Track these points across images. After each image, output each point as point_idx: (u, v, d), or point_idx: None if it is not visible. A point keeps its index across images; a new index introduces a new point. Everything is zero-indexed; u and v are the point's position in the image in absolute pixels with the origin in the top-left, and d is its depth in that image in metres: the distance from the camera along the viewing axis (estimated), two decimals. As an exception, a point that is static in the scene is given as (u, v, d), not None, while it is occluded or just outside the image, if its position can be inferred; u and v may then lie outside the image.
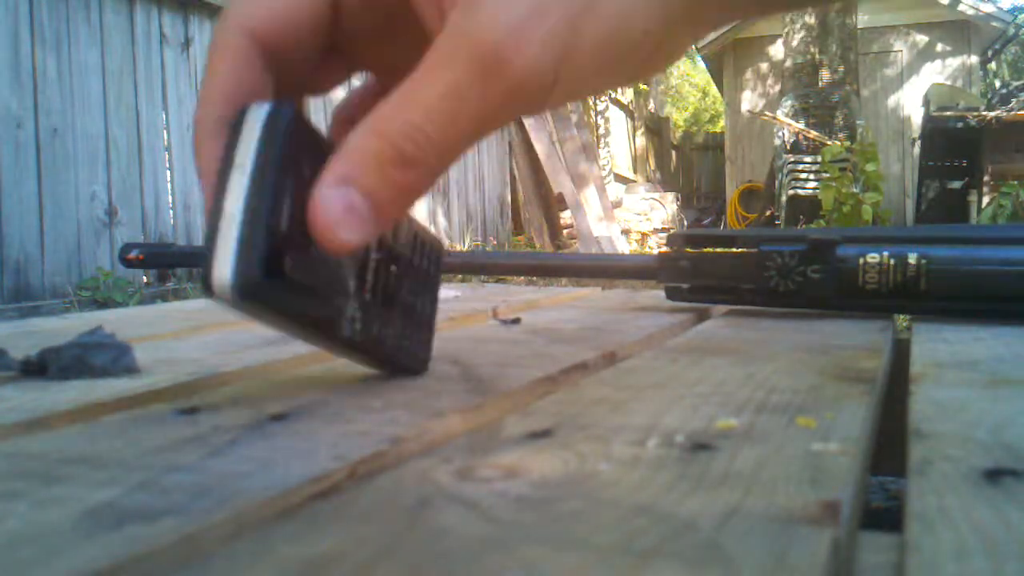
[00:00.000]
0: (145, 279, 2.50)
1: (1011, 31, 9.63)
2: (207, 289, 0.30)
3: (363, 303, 0.37)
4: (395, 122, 0.29)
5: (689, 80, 19.41)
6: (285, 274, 0.30)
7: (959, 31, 9.32)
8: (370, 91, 0.38)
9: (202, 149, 0.32)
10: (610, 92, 8.87)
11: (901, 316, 0.74)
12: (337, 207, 0.29)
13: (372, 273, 0.37)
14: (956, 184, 6.11)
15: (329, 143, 0.33)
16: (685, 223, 8.10)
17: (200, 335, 0.63)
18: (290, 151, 0.30)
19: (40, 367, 0.45)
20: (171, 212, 2.62)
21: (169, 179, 2.62)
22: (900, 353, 0.56)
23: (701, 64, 13.78)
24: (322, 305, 0.34)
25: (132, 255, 1.04)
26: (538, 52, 0.28)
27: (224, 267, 0.29)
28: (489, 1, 0.28)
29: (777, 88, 8.26)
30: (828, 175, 4.33)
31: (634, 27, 0.30)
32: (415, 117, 0.29)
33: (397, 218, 0.31)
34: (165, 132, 2.61)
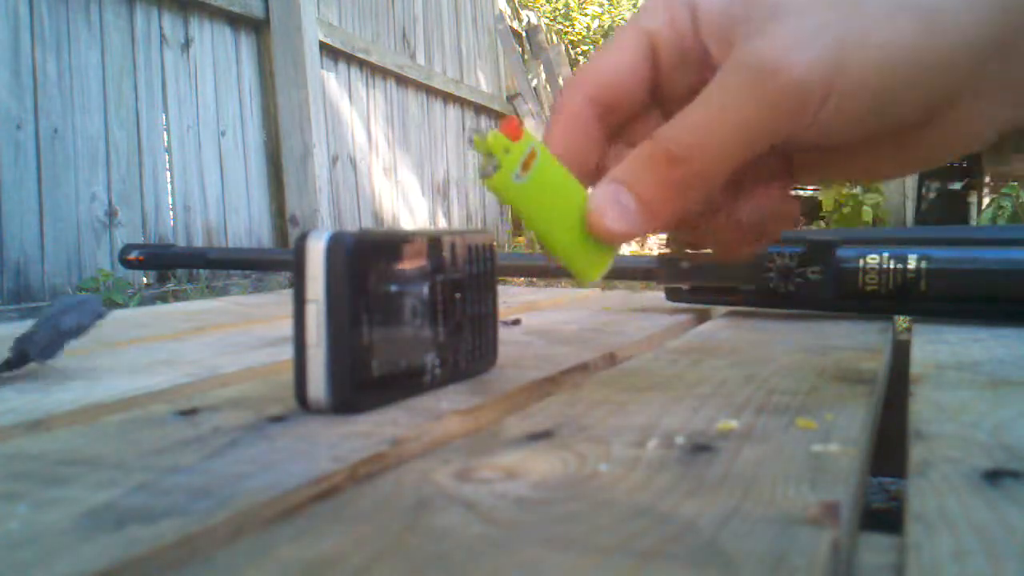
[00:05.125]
0: (145, 280, 2.50)
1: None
2: (303, 403, 0.34)
3: (439, 346, 0.39)
4: (666, 129, 0.33)
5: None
6: (373, 377, 0.34)
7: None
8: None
9: None
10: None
11: (901, 317, 0.74)
12: (603, 201, 0.34)
13: (443, 313, 0.39)
14: (956, 185, 6.10)
15: (399, 234, 0.37)
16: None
17: (200, 336, 0.63)
18: (355, 272, 0.33)
19: (22, 356, 0.44)
20: (171, 213, 2.62)
21: (169, 180, 2.61)
22: (900, 354, 0.56)
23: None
24: (409, 377, 0.37)
25: (132, 256, 1.04)
26: (811, 59, 0.31)
27: (318, 390, 0.34)
28: (769, 28, 0.31)
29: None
30: (828, 176, 4.33)
31: (905, 61, 0.31)
32: (679, 121, 0.33)
33: (669, 214, 0.34)
34: (165, 133, 2.60)
